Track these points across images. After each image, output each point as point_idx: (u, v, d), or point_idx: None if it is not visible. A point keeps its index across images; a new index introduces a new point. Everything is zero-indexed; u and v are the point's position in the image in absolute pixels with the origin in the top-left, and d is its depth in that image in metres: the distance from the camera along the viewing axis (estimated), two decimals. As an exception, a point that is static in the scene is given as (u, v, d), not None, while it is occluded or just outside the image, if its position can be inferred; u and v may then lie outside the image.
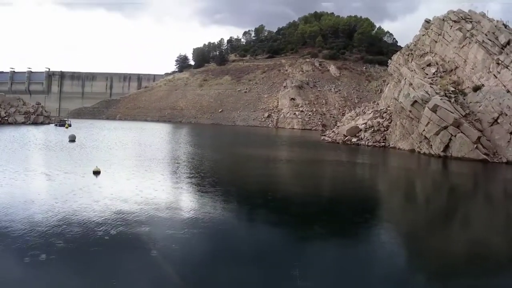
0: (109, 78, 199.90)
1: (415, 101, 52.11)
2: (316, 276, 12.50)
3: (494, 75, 49.11)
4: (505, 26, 54.73)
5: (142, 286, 11.58)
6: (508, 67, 47.45)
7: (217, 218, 18.14)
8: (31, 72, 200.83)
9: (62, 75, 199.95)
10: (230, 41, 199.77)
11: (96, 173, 27.26)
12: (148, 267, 12.50)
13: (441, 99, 49.41)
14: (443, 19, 64.35)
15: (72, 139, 50.99)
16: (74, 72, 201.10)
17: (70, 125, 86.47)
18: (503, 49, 50.06)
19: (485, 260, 15.02)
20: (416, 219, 21.69)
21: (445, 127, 46.64)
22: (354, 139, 64.14)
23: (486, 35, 53.08)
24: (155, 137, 68.89)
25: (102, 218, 16.94)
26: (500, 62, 49.08)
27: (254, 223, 18.88)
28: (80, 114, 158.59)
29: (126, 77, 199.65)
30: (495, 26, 53.57)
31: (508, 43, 49.72)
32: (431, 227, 19.84)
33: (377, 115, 67.64)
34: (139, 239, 14.71)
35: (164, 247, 14.10)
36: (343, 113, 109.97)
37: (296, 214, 20.38)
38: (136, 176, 28.12)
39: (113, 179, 26.51)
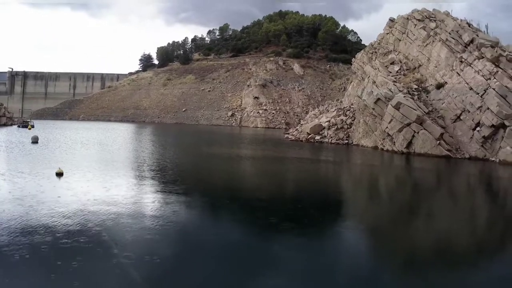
0: (73, 78, 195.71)
1: (378, 99, 52.08)
2: (281, 274, 12.13)
3: (457, 72, 49.32)
4: (469, 25, 55.17)
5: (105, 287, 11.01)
6: (471, 65, 47.68)
7: (181, 219, 17.48)
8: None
9: (25, 75, 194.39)
10: (194, 40, 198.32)
11: (59, 174, 25.96)
12: (111, 269, 11.83)
13: (404, 96, 49.42)
14: (407, 18, 64.59)
15: (35, 140, 49.06)
16: (38, 72, 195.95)
17: (33, 126, 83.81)
18: (466, 48, 50.36)
19: (449, 253, 14.81)
20: (381, 214, 21.41)
21: (408, 124, 46.60)
22: (317, 137, 63.80)
23: (449, 33, 53.35)
24: (119, 137, 67.29)
25: (65, 220, 15.96)
26: (463, 60, 49.33)
27: (218, 222, 18.23)
28: (43, 114, 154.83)
29: (89, 77, 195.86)
30: (459, 25, 53.93)
31: (471, 41, 50.01)
32: (396, 222, 19.62)
33: (340, 113, 67.46)
34: (102, 241, 13.91)
35: (127, 249, 13.35)
36: (306, 111, 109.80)
37: (260, 213, 19.70)
38: (99, 177, 27.04)
39: (76, 180, 25.18)
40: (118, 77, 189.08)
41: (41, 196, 19.92)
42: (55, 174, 26.07)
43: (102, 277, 11.43)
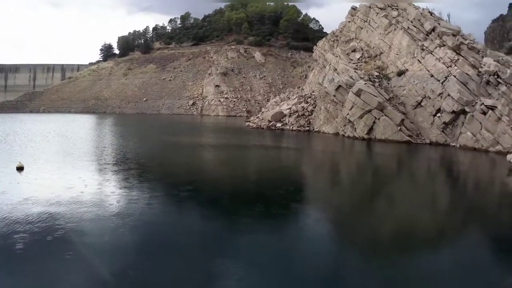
0: (33, 69, 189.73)
1: (340, 86, 51.92)
2: (246, 262, 12.05)
3: (418, 60, 49.58)
4: (431, 13, 55.41)
5: (72, 284, 10.61)
6: (432, 53, 47.96)
7: (145, 210, 17.03)
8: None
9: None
10: (155, 29, 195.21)
11: (20, 169, 25.05)
12: (76, 265, 11.46)
13: (365, 83, 49.41)
14: (370, 6, 64.53)
15: None
16: None
17: None
18: (428, 36, 50.60)
19: (410, 238, 14.90)
20: (343, 199, 21.47)
21: (369, 111, 46.61)
22: (278, 124, 63.50)
23: (411, 22, 53.51)
24: (79, 129, 65.71)
25: (27, 216, 15.37)
26: (424, 48, 49.57)
27: (182, 212, 17.81)
28: (3, 108, 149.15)
29: (50, 68, 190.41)
30: (421, 13, 54.09)
31: (433, 29, 50.23)
32: (358, 207, 19.58)
33: (301, 100, 67.28)
34: (67, 237, 13.40)
35: (92, 244, 12.95)
36: (267, 99, 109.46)
37: (223, 201, 19.65)
38: (61, 171, 26.29)
39: (37, 174, 24.40)
40: (78, 67, 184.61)
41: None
42: (16, 168, 25.23)
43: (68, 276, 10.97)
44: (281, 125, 62.96)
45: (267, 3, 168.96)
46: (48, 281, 10.70)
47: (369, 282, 11.18)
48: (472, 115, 40.65)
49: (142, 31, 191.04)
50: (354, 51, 61.83)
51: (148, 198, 18.96)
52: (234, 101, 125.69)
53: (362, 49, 61.46)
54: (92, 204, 17.24)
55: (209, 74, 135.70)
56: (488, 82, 41.72)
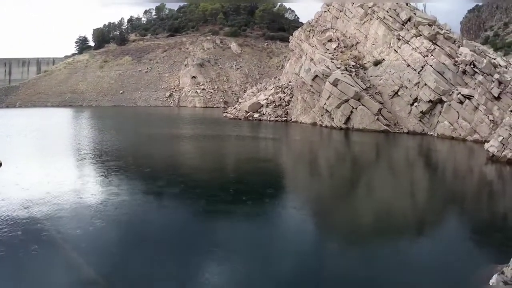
0: (8, 63, 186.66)
1: (316, 76, 51.85)
2: (230, 254, 12.13)
3: (395, 50, 49.72)
4: (407, 3, 55.51)
5: (54, 278, 10.68)
6: (409, 43, 48.12)
7: (125, 203, 17.02)
8: None
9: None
10: (130, 20, 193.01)
11: None
12: (58, 260, 11.57)
13: (341, 73, 49.45)
14: (345, -4, 64.56)
15: None
16: None
17: None
18: (404, 26, 50.77)
19: (388, 225, 15.07)
20: (322, 189, 21.43)
21: (346, 100, 46.67)
22: (256, 115, 63.28)
23: (387, 12, 53.58)
24: (57, 123, 64.83)
25: (6, 213, 15.26)
26: (400, 37, 49.71)
27: (163, 205, 17.81)
28: None
29: (25, 62, 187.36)
30: (397, 3, 54.15)
31: (408, 19, 50.42)
32: (337, 196, 19.77)
33: (278, 90, 67.09)
34: (47, 233, 13.33)
35: (73, 239, 12.89)
36: (244, 90, 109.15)
37: (203, 192, 19.54)
38: (39, 166, 26.11)
39: (15, 170, 24.10)
40: (54, 61, 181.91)
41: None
42: None
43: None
44: (259, 116, 62.74)
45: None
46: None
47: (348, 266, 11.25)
48: (449, 104, 40.87)
49: (117, 23, 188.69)
50: (330, 41, 61.75)
51: (128, 193, 18.85)
52: (211, 92, 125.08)
53: (338, 39, 61.41)
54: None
55: (185, 65, 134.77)
56: (464, 72, 41.97)
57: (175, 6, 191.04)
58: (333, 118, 48.11)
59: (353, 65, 53.01)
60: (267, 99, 65.53)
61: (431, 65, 43.85)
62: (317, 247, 12.94)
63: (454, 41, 46.26)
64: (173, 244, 12.84)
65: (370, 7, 57.04)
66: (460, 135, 39.15)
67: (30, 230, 13.43)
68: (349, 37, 60.08)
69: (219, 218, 15.34)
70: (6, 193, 18.17)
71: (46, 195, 17.59)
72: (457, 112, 40.00)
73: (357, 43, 58.04)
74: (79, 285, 10.37)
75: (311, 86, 52.45)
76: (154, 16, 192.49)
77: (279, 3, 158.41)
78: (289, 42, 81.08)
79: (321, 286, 10.55)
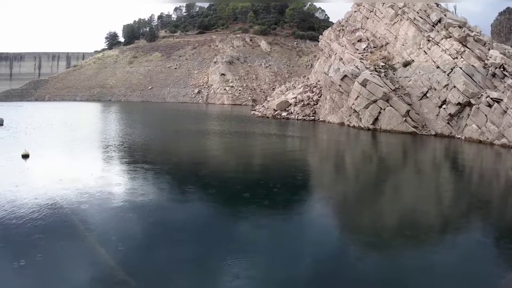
0: (38, 57, 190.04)
1: (345, 76, 51.96)
2: (253, 252, 12.21)
3: (424, 51, 49.55)
4: (437, 5, 55.34)
5: (81, 272, 10.86)
6: (439, 44, 47.91)
7: (153, 198, 17.36)
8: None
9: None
10: (160, 17, 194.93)
11: (25, 156, 25.34)
12: (85, 253, 11.79)
13: (370, 73, 49.50)
14: (376, -4, 64.47)
15: (0, 123, 47.60)
16: (2, 53, 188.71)
17: None
18: (434, 27, 50.62)
19: (414, 229, 14.94)
20: (350, 189, 21.58)
21: (375, 101, 46.76)
22: (284, 113, 63.65)
23: (417, 13, 53.45)
24: (85, 117, 66.10)
25: (34, 203, 15.64)
26: (430, 39, 49.52)
27: (191, 201, 18.01)
28: (9, 96, 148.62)
29: (54, 56, 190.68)
30: (427, 4, 54.01)
31: (439, 21, 50.24)
32: (363, 198, 19.66)
33: (307, 89, 67.38)
34: (74, 225, 13.70)
35: (101, 233, 13.20)
36: (273, 88, 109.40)
37: (231, 189, 19.89)
38: (66, 159, 26.75)
39: (43, 162, 24.92)
40: (83, 55, 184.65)
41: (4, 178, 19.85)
42: (21, 156, 25.50)
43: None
44: (287, 114, 63.09)
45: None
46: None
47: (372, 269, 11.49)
48: (478, 108, 40.68)
49: (147, 19, 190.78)
50: (360, 41, 61.81)
51: (157, 188, 19.32)
52: (240, 90, 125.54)
53: (368, 39, 61.42)
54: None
55: (215, 62, 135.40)
56: (494, 75, 41.74)
57: (205, 4, 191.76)
58: (361, 118, 48.26)
59: (382, 66, 53.04)
60: (295, 98, 65.84)
61: (460, 67, 43.65)
62: (339, 250, 13.10)
63: (484, 44, 45.97)
64: (200, 237, 13.22)
65: (400, 8, 56.89)
66: (487, 138, 38.97)
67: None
68: (379, 38, 60.04)
69: (246, 218, 15.55)
70: (29, 184, 18.83)
71: (66, 188, 18.01)
72: (485, 115, 39.79)
73: (387, 43, 57.97)
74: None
75: (340, 86, 52.60)
76: (184, 13, 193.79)
77: (309, 3, 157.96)
78: (318, 41, 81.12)
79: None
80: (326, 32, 76.39)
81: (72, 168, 22.85)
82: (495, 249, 13.85)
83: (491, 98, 39.60)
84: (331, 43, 69.09)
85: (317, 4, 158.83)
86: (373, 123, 46.76)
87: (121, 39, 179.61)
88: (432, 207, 18.10)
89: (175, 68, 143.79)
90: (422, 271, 11.49)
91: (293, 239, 13.44)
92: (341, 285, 10.87)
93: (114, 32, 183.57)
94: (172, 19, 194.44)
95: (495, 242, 14.41)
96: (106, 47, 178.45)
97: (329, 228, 15.35)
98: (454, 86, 43.07)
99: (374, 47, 59.47)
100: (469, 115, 41.64)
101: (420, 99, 46.89)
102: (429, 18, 51.58)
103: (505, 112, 38.10)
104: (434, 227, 15.59)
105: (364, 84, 47.69)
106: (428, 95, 46.27)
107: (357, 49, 59.74)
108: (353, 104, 49.02)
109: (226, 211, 16.70)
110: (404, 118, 44.79)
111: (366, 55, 57.43)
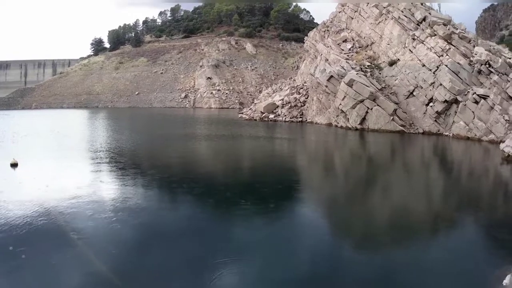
0: (23, 65, 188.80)
1: (331, 76, 51.99)
2: (246, 253, 12.27)
3: (410, 50, 49.64)
4: (421, 3, 55.45)
5: (71, 277, 10.81)
6: (424, 42, 48.03)
7: (142, 202, 17.32)
8: None
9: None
10: (145, 22, 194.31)
11: (14, 165, 25.06)
12: (74, 259, 11.76)
13: (357, 73, 49.54)
14: (360, -4, 64.60)
15: None
16: None
17: None
18: (419, 25, 50.68)
19: (404, 227, 15.10)
20: (340, 189, 21.54)
21: (362, 101, 46.78)
22: (271, 116, 63.54)
23: (402, 12, 53.53)
24: (73, 124, 65.58)
25: (23, 212, 15.54)
26: (415, 37, 49.63)
27: (179, 204, 18.06)
28: None
29: (40, 64, 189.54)
30: (411, 3, 54.12)
31: (423, 19, 50.32)
32: (354, 197, 19.72)
33: (293, 91, 67.30)
34: (63, 231, 13.65)
35: (90, 238, 13.22)
36: (260, 91, 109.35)
37: (220, 191, 19.88)
38: (56, 166, 26.41)
39: (32, 171, 24.71)
40: (69, 62, 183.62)
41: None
42: (9, 165, 25.18)
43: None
44: (274, 117, 63.00)
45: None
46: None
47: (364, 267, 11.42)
48: (465, 104, 40.81)
49: (132, 24, 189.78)
50: (345, 41, 61.87)
51: (144, 192, 19.21)
52: (227, 93, 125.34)
53: (353, 39, 61.51)
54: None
55: (201, 66, 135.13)
56: (479, 71, 41.89)
57: (190, 7, 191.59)
58: (348, 118, 48.25)
59: (368, 66, 53.12)
60: (282, 99, 65.76)
61: (446, 65, 43.79)
62: (331, 250, 13.02)
63: (469, 41, 46.15)
64: (191, 241, 13.11)
65: (385, 7, 57.00)
66: (475, 135, 39.10)
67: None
68: (364, 37, 60.14)
69: (236, 219, 15.51)
70: (19, 192, 18.76)
71: (55, 196, 17.88)
72: (473, 112, 39.93)
73: (372, 43, 58.07)
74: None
75: (326, 86, 52.61)
76: (169, 18, 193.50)
77: (294, 4, 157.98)
78: (304, 42, 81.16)
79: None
80: (311, 33, 76.45)
81: (62, 176, 22.69)
82: (484, 242, 14.00)
83: (478, 95, 39.74)
84: (317, 44, 69.06)
85: (302, 5, 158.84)
86: (361, 123, 46.76)
87: (107, 45, 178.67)
88: (422, 204, 18.13)
89: (161, 73, 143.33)
90: (414, 268, 11.51)
91: (285, 239, 13.45)
92: (334, 285, 10.78)
93: (100, 38, 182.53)
94: (157, 23, 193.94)
95: (485, 237, 14.50)
96: (92, 53, 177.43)
97: (319, 228, 15.26)
98: (441, 84, 43.21)
99: (359, 47, 59.54)
100: (456, 112, 41.77)
101: (407, 98, 46.96)
102: (414, 16, 51.66)
103: (492, 108, 38.25)
104: (425, 224, 15.60)
105: (350, 84, 47.70)
106: (414, 93, 46.35)
107: (343, 50, 59.76)
108: (340, 104, 49.01)
109: (215, 214, 16.57)
110: (392, 117, 44.85)
111: (352, 55, 57.47)
